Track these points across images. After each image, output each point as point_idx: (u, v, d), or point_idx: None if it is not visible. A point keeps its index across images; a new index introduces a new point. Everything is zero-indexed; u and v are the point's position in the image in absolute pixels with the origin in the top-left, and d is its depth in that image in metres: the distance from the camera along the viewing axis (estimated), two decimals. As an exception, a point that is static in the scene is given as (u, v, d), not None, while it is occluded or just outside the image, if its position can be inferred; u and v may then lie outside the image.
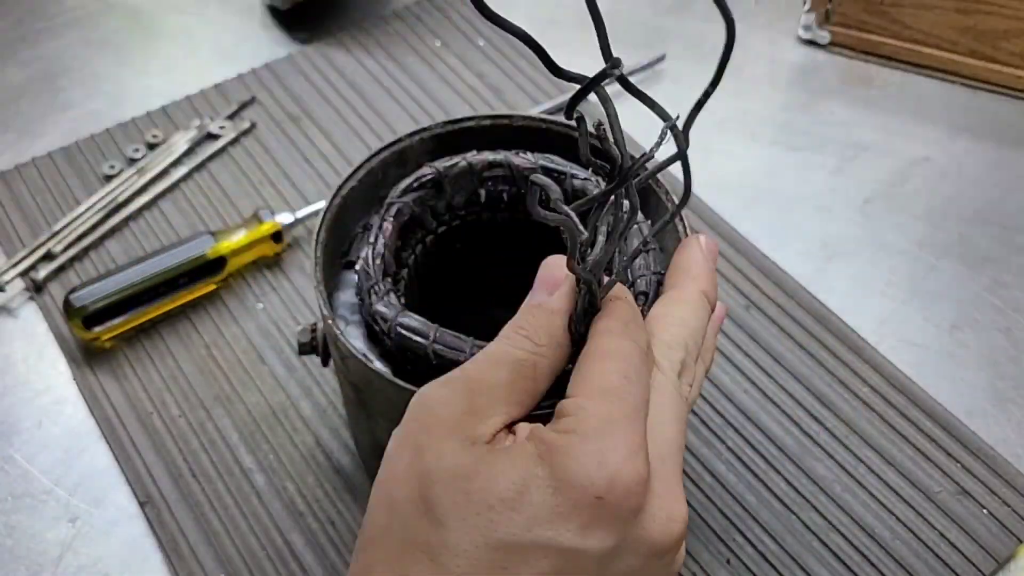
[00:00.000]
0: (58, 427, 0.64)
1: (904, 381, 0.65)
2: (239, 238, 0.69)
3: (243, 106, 0.82)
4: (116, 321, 0.66)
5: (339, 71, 0.85)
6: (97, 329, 0.66)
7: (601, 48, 0.37)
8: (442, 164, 0.55)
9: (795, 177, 0.78)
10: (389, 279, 0.51)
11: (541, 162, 0.55)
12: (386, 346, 0.50)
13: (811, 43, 0.87)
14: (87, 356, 0.67)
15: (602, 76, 0.37)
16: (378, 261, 0.51)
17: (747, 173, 0.78)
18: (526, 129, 0.57)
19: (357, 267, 0.52)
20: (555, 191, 0.39)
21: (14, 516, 0.60)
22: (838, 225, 0.75)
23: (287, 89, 0.83)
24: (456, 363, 0.47)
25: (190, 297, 0.68)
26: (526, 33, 0.43)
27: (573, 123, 0.50)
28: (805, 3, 0.85)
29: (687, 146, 0.42)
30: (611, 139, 0.40)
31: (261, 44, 0.88)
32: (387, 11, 0.90)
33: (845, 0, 0.83)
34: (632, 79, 0.81)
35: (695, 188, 0.74)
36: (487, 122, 0.57)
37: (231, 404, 0.64)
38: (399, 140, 0.56)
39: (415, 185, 0.54)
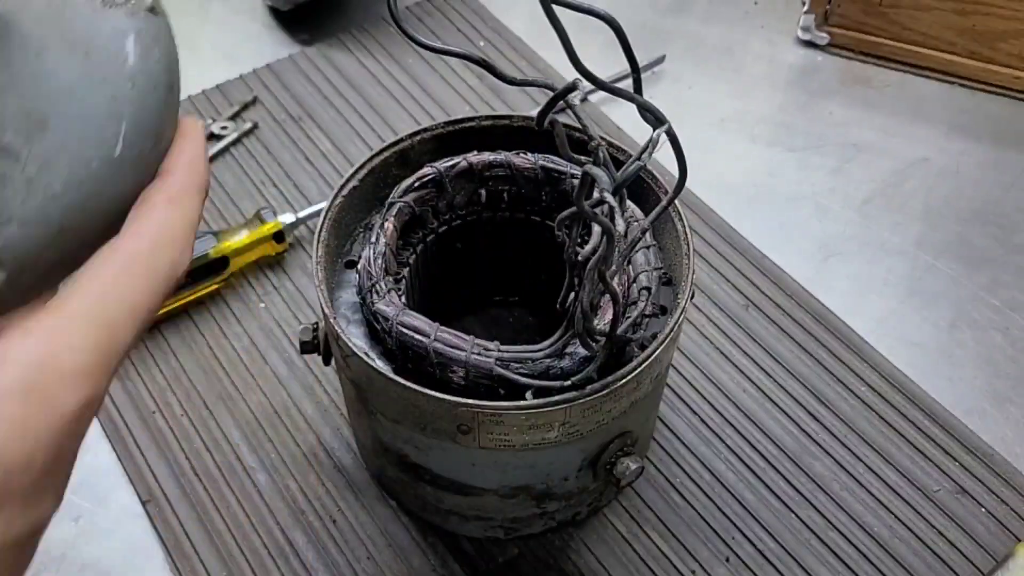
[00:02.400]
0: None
1: (903, 380, 0.65)
2: (241, 238, 0.68)
3: (245, 107, 0.81)
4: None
5: (341, 71, 0.84)
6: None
7: (571, 59, 0.37)
8: (443, 164, 0.55)
9: (794, 177, 0.78)
10: (390, 278, 0.51)
11: (541, 162, 0.55)
12: (387, 345, 0.50)
13: (810, 44, 0.87)
14: (90, 355, 0.67)
15: (568, 89, 0.37)
16: (379, 260, 0.51)
17: (747, 173, 0.78)
18: (526, 130, 0.57)
19: (359, 267, 0.52)
20: (604, 182, 0.39)
21: (17, 514, 0.60)
22: (837, 225, 0.74)
23: (289, 89, 0.83)
24: (457, 361, 0.47)
25: (193, 297, 0.68)
26: (467, 53, 0.43)
27: (580, 128, 0.50)
28: (804, 4, 0.84)
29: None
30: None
31: (263, 45, 0.88)
32: (388, 13, 0.90)
33: (844, 1, 0.83)
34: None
35: (695, 188, 0.75)
36: (487, 122, 0.57)
37: (233, 403, 0.64)
38: (400, 140, 0.56)
39: (416, 185, 0.54)
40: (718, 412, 0.64)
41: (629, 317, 0.49)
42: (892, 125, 0.81)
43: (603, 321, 0.48)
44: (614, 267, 0.45)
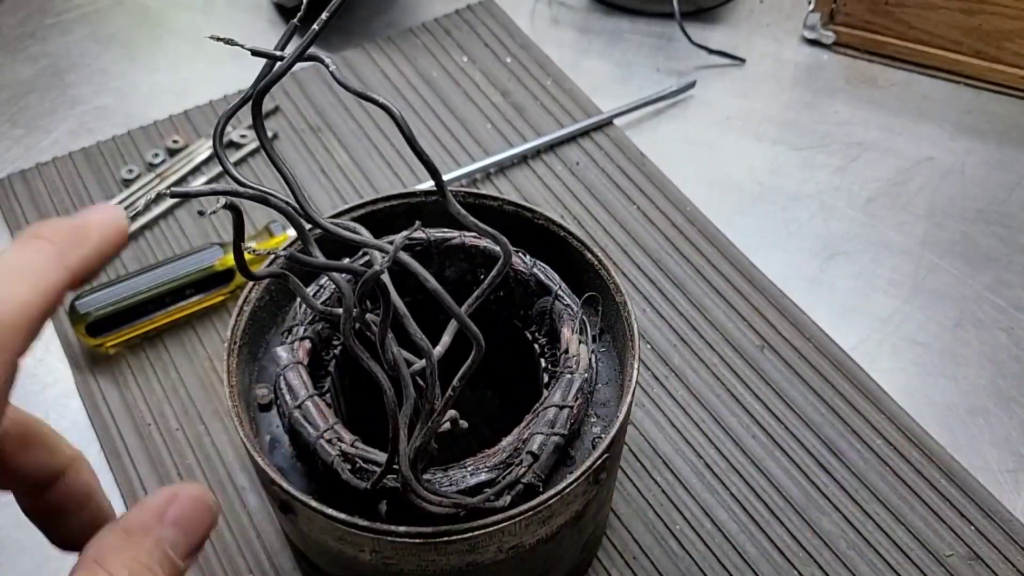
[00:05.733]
0: (65, 420, 0.62)
1: (920, 435, 0.61)
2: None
3: (266, 115, 0.78)
4: (121, 329, 0.64)
5: (363, 82, 0.81)
6: (102, 337, 0.63)
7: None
8: (437, 234, 0.50)
9: (799, 175, 0.76)
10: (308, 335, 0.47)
11: (535, 270, 0.50)
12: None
13: (815, 43, 0.85)
14: (90, 362, 0.64)
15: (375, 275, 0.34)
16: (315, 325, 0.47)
17: (751, 171, 0.76)
18: (545, 230, 0.52)
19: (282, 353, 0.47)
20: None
21: (21, 508, 0.59)
22: (841, 224, 0.73)
23: (310, 99, 0.80)
24: (308, 442, 0.43)
25: (197, 308, 0.65)
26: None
27: (593, 250, 0.47)
28: (810, 3, 0.82)
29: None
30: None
31: (269, 42, 0.85)
32: (415, 23, 0.87)
33: (850, 0, 0.81)
34: (661, 104, 0.79)
35: (700, 187, 0.73)
36: (510, 208, 0.52)
37: (230, 420, 0.61)
38: (412, 194, 0.52)
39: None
40: (724, 458, 0.60)
41: (499, 482, 0.42)
42: (897, 124, 0.79)
43: (459, 478, 0.42)
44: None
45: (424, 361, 0.37)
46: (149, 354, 0.65)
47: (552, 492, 0.41)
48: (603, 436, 0.45)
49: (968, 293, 0.69)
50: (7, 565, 0.57)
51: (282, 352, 0.46)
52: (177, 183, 0.74)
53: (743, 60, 0.83)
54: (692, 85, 0.81)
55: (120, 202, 0.73)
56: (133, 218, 0.71)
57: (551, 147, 0.76)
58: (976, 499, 0.58)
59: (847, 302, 0.68)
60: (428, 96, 0.81)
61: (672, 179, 0.74)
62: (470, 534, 0.40)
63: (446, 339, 0.41)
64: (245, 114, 0.78)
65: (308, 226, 0.37)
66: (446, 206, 0.37)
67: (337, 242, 0.38)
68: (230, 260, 0.65)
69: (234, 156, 0.75)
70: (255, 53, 0.33)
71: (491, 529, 0.41)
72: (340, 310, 0.37)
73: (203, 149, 0.76)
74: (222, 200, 0.32)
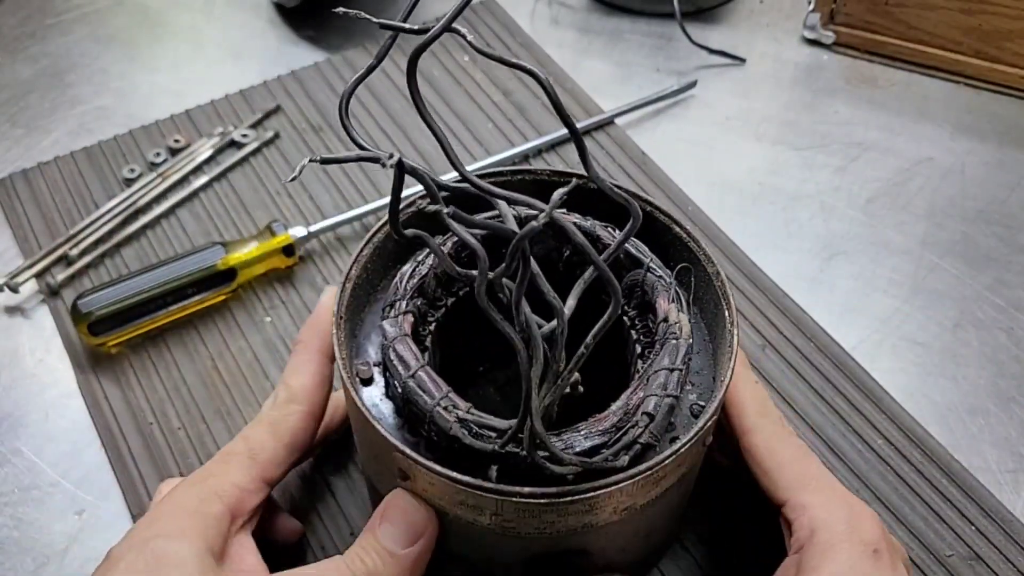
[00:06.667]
0: (65, 420, 0.62)
1: (921, 435, 0.60)
2: (250, 250, 0.65)
3: (268, 115, 0.78)
4: (123, 328, 0.64)
5: (365, 82, 0.81)
6: (104, 336, 0.63)
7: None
8: (524, 211, 0.49)
9: (799, 176, 0.76)
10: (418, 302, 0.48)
11: (626, 244, 0.49)
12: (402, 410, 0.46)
13: (815, 43, 0.85)
14: (92, 361, 0.64)
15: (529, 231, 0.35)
16: (414, 281, 0.47)
17: (751, 171, 0.76)
18: (600, 192, 0.52)
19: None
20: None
21: (21, 508, 0.59)
22: (841, 224, 0.73)
23: (312, 98, 0.80)
24: (423, 410, 0.43)
25: (199, 307, 0.65)
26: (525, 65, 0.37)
27: (681, 223, 0.48)
28: (810, 3, 0.82)
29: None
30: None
31: (268, 41, 0.86)
32: (417, 23, 0.87)
33: (850, 0, 0.81)
34: (662, 104, 0.79)
35: (700, 187, 0.73)
36: (592, 186, 0.52)
37: (232, 419, 0.61)
38: (499, 173, 0.52)
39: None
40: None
41: (615, 444, 0.42)
42: (897, 124, 0.79)
43: (576, 440, 0.43)
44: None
45: (554, 322, 0.39)
46: (151, 353, 0.65)
47: (668, 452, 0.42)
48: (700, 403, 0.46)
49: (968, 293, 0.69)
50: (7, 565, 0.57)
51: (388, 326, 0.46)
52: (180, 182, 0.74)
53: (743, 60, 0.83)
54: (692, 85, 0.81)
55: (122, 201, 0.72)
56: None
57: (552, 146, 0.76)
58: (976, 499, 0.58)
59: (847, 302, 0.68)
60: (429, 95, 0.80)
61: (673, 178, 0.74)
62: (591, 494, 0.41)
63: (571, 302, 0.41)
64: (246, 114, 0.78)
65: (444, 186, 0.40)
66: (588, 174, 0.38)
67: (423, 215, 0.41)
68: (231, 259, 0.65)
69: (235, 156, 0.75)
70: (383, 26, 0.38)
71: (611, 488, 0.41)
72: (475, 272, 0.38)
73: (205, 148, 0.76)
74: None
